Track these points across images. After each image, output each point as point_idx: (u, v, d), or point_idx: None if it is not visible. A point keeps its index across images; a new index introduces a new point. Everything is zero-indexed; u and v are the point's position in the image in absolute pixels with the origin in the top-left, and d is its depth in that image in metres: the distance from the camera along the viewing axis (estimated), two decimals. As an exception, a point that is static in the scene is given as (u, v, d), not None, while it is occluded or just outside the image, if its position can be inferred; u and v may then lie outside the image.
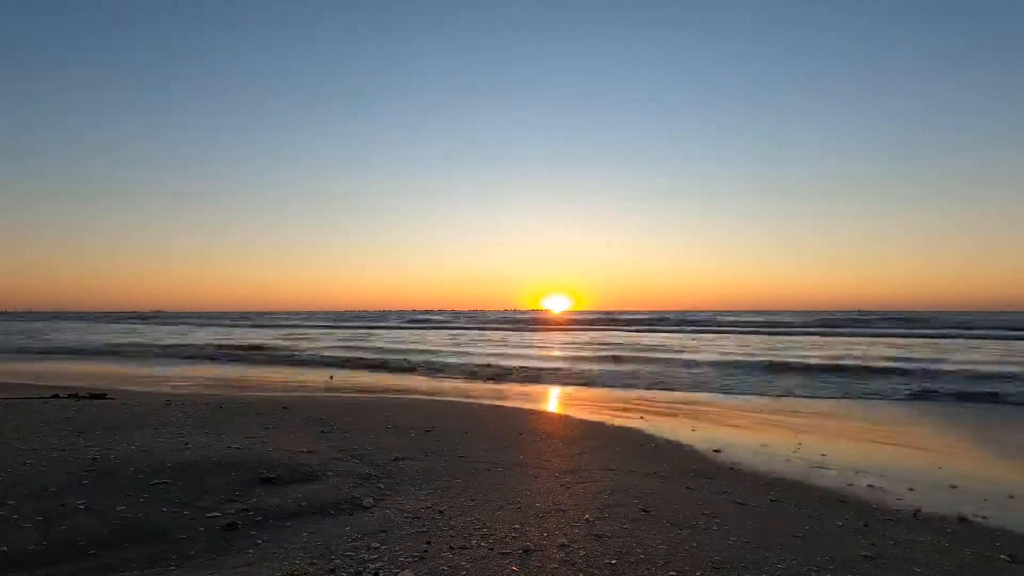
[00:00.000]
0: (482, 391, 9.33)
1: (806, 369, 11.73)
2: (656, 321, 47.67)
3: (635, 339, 23.59)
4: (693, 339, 23.32)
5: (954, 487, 3.53)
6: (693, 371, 11.71)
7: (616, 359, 14.21)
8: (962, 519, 2.88)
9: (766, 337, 24.67)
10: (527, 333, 30.19)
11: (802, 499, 3.17)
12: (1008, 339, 21.89)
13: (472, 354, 15.90)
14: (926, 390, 8.65)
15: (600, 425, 5.48)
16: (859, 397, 8.32)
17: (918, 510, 3.02)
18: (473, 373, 12.14)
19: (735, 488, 3.36)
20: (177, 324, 41.73)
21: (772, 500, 3.13)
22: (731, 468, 3.87)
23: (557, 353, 16.23)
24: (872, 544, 2.47)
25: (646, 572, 2.10)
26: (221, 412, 4.98)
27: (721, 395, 8.95)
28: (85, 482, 2.69)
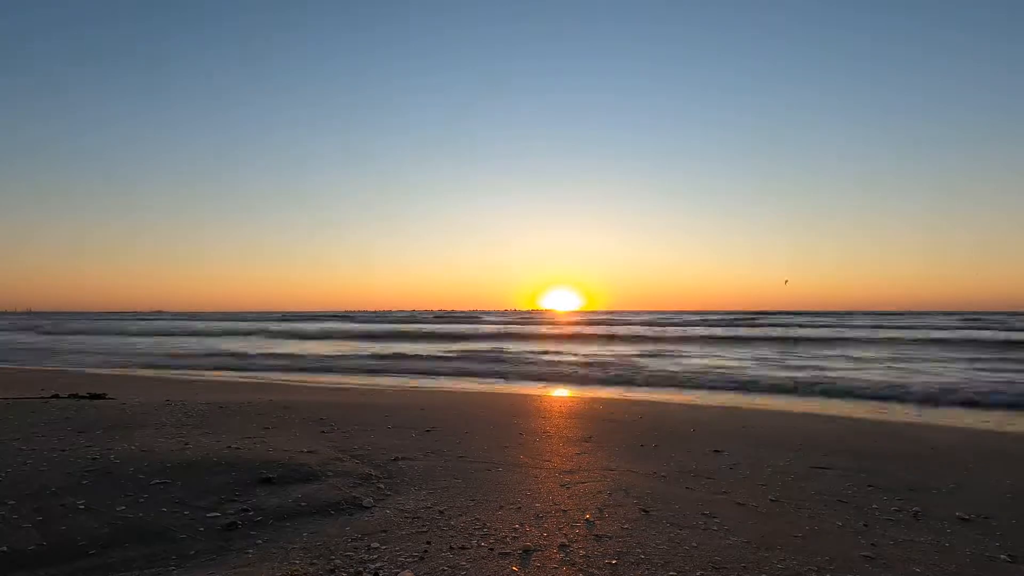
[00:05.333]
0: (483, 392, 9.33)
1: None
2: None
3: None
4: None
5: (956, 487, 3.53)
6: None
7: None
8: (962, 519, 2.88)
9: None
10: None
11: (802, 499, 3.17)
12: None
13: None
14: None
15: (600, 425, 5.48)
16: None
17: (918, 510, 3.02)
18: (477, 374, 12.14)
19: (735, 488, 3.36)
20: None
21: (772, 500, 3.13)
22: (731, 468, 3.87)
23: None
24: (872, 544, 2.47)
25: (646, 572, 2.10)
26: (221, 412, 4.98)
27: (716, 393, 8.96)
28: (85, 482, 2.69)
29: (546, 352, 17.56)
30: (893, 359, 14.47)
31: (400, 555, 2.18)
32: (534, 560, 2.17)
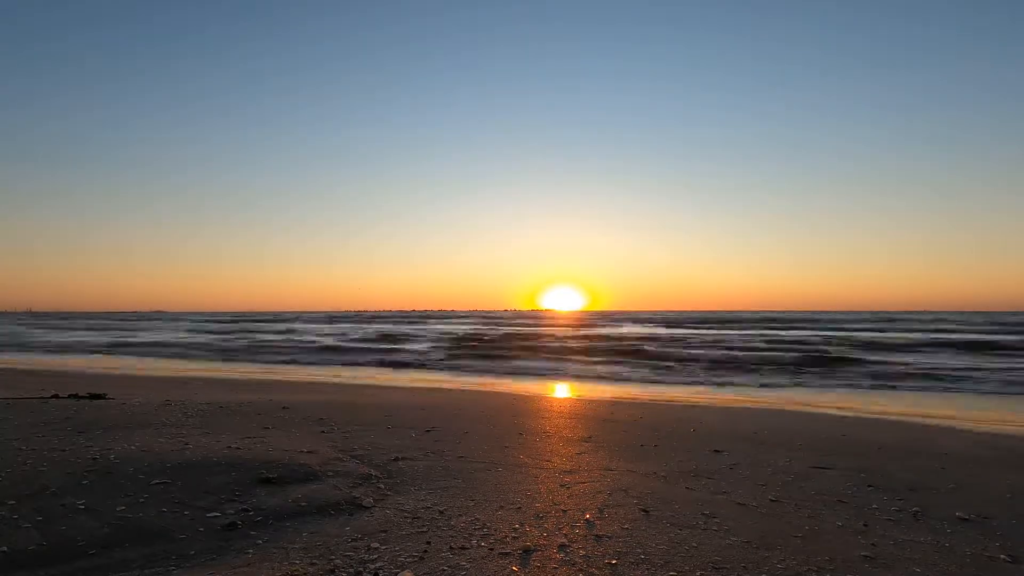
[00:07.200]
0: (482, 392, 9.34)
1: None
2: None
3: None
4: None
5: (955, 487, 3.53)
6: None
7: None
8: (962, 519, 2.88)
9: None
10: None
11: (802, 499, 3.17)
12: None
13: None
14: None
15: (600, 425, 5.48)
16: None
17: (918, 510, 3.02)
18: (477, 373, 12.14)
19: (735, 488, 3.36)
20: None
21: (772, 500, 3.13)
22: (731, 468, 3.87)
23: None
24: (872, 544, 2.48)
25: (646, 572, 2.10)
26: (221, 412, 4.98)
27: (721, 392, 8.96)
28: (85, 482, 2.69)
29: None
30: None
31: (400, 555, 2.18)
32: (534, 560, 2.17)
